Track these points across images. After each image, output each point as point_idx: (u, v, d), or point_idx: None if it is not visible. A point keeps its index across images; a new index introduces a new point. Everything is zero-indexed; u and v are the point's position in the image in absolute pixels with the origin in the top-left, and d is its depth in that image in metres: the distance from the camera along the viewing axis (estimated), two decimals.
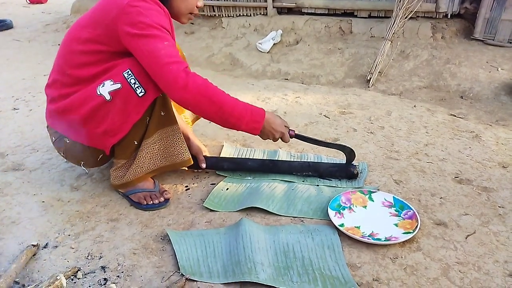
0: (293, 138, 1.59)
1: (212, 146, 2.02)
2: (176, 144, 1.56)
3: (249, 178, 1.74)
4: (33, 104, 2.65)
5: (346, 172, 1.69)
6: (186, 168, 1.77)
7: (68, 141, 1.50)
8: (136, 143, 1.49)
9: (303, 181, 1.70)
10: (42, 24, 5.64)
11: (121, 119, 1.39)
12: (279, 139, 1.54)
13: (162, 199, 1.56)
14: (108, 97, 1.36)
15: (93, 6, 1.45)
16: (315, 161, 1.82)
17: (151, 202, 1.55)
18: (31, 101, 2.71)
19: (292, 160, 1.85)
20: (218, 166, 1.77)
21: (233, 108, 1.36)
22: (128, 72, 1.35)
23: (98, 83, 1.37)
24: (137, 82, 1.35)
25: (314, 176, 1.72)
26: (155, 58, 1.29)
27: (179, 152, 1.58)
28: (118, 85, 1.35)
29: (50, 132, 1.58)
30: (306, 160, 1.83)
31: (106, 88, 1.36)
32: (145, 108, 1.41)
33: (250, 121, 1.41)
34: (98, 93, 1.36)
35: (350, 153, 1.67)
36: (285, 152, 1.93)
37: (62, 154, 1.59)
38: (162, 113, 1.47)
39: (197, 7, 1.48)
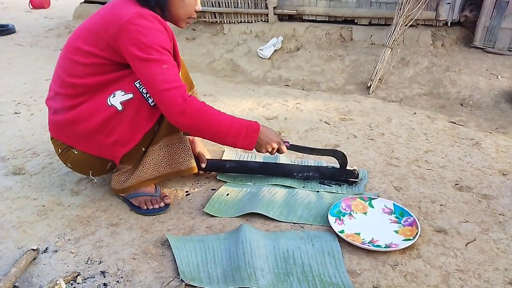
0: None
1: (213, 152, 2.02)
2: (182, 151, 1.57)
3: (250, 184, 1.74)
4: (34, 109, 2.66)
5: (347, 174, 1.70)
6: None
7: (76, 152, 1.49)
8: (144, 149, 1.50)
9: (303, 187, 1.70)
10: (44, 29, 5.68)
11: (132, 128, 1.39)
12: (276, 152, 1.55)
13: (162, 204, 1.57)
14: (120, 107, 1.37)
15: (91, 17, 1.43)
16: (317, 165, 1.83)
17: (152, 207, 1.55)
18: (32, 106, 2.72)
19: (293, 163, 1.85)
20: (219, 166, 1.77)
21: (230, 128, 1.40)
22: (139, 81, 1.36)
23: (107, 93, 1.37)
24: None
25: (315, 178, 1.73)
26: (153, 84, 1.30)
27: (184, 159, 1.58)
28: (130, 95, 1.36)
29: (55, 144, 1.55)
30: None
31: (118, 99, 1.36)
32: (157, 117, 1.42)
33: (246, 137, 1.43)
34: (109, 103, 1.36)
35: (342, 158, 1.69)
36: (285, 158, 1.93)
37: (69, 165, 1.56)
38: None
39: (195, 12, 1.47)
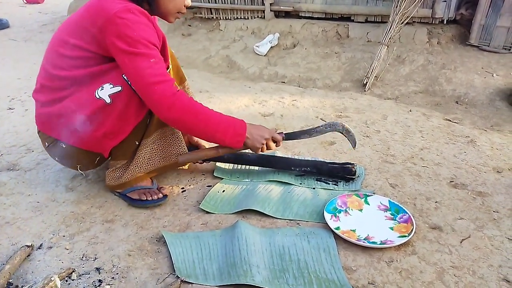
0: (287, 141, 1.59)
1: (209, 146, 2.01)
2: (175, 143, 1.56)
3: (247, 180, 1.73)
4: (28, 104, 2.63)
5: (344, 169, 1.70)
6: (186, 167, 1.77)
7: (64, 146, 1.47)
8: (137, 143, 1.49)
9: (300, 183, 1.70)
10: (38, 24, 5.63)
11: (121, 121, 1.38)
12: (274, 145, 1.53)
13: (160, 195, 1.56)
14: (108, 100, 1.35)
15: (78, 10, 1.41)
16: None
17: (151, 198, 1.54)
18: (26, 101, 2.70)
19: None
20: (217, 157, 1.72)
21: (218, 124, 1.40)
22: None
23: (94, 86, 1.36)
24: None
25: (313, 173, 1.72)
26: (140, 78, 1.29)
27: (178, 151, 1.58)
28: (119, 88, 1.35)
29: (42, 137, 1.54)
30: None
31: (106, 92, 1.35)
32: (147, 109, 1.41)
33: (234, 134, 1.43)
34: (97, 96, 1.35)
35: (343, 129, 1.61)
36: (282, 154, 1.93)
37: (56, 159, 1.55)
38: None
39: (185, 6, 1.45)
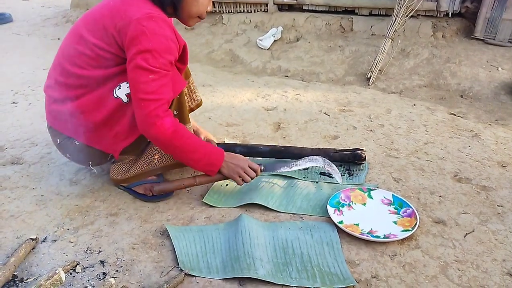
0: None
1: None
2: None
3: None
4: (32, 98, 2.64)
5: (354, 155, 1.74)
6: None
7: (77, 143, 1.47)
8: (148, 140, 1.49)
9: (304, 177, 1.70)
10: (41, 18, 5.62)
11: (134, 121, 1.37)
12: (254, 174, 1.50)
13: None
14: (125, 99, 1.36)
15: (100, 5, 1.39)
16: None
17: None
18: (30, 95, 2.70)
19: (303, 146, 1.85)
20: (229, 150, 1.68)
21: (193, 153, 1.41)
22: None
23: (112, 85, 1.35)
24: None
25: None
26: (133, 89, 1.30)
27: None
28: None
29: (53, 134, 1.54)
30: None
31: (123, 90, 1.35)
32: None
33: (206, 164, 1.44)
34: (115, 95, 1.35)
35: (324, 161, 1.60)
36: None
37: (68, 155, 1.55)
38: (175, 112, 1.48)
39: (206, 12, 1.44)
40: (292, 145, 1.88)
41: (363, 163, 1.76)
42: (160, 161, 1.55)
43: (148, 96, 1.28)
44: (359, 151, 1.75)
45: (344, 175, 1.71)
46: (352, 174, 1.71)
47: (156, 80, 1.29)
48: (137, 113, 1.32)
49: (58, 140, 1.52)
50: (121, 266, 1.25)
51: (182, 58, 1.45)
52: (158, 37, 1.27)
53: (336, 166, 1.71)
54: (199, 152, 1.42)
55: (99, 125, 1.40)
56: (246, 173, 1.48)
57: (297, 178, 1.69)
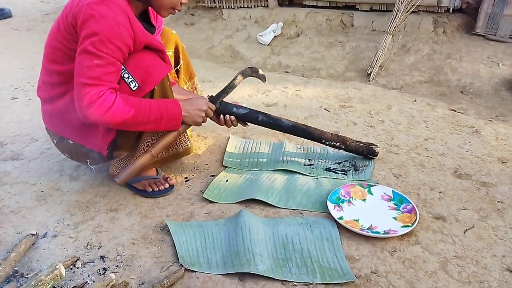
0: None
1: (213, 138, 2.01)
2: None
3: (256, 169, 1.73)
4: (31, 94, 2.63)
5: (368, 149, 1.74)
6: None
7: (71, 142, 1.47)
8: (137, 133, 1.49)
9: (309, 172, 1.70)
10: (41, 14, 5.60)
11: None
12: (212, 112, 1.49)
13: (167, 185, 1.57)
14: None
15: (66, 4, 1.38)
16: (322, 152, 1.85)
17: (157, 188, 1.55)
18: (30, 91, 2.70)
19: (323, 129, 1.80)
20: (252, 118, 1.67)
21: (149, 115, 1.34)
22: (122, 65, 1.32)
23: None
24: (130, 76, 1.33)
25: (340, 148, 1.72)
26: (76, 74, 1.25)
27: (181, 140, 1.57)
28: None
29: (50, 135, 1.54)
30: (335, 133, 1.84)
31: None
32: None
33: (168, 120, 1.39)
34: None
35: (251, 70, 1.64)
36: (291, 144, 1.92)
37: (66, 155, 1.55)
38: None
39: (181, 4, 1.39)
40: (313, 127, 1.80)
41: (373, 158, 1.76)
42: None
43: (90, 81, 1.23)
44: (373, 146, 1.75)
45: (349, 170, 1.71)
46: (358, 170, 1.71)
47: (102, 66, 1.24)
48: (75, 96, 1.25)
49: (54, 140, 1.54)
50: (121, 262, 1.25)
51: (152, 45, 1.39)
52: (108, 21, 1.22)
53: (342, 162, 1.72)
54: (154, 111, 1.35)
55: (81, 122, 1.36)
56: (206, 113, 1.47)
57: (301, 173, 1.69)
